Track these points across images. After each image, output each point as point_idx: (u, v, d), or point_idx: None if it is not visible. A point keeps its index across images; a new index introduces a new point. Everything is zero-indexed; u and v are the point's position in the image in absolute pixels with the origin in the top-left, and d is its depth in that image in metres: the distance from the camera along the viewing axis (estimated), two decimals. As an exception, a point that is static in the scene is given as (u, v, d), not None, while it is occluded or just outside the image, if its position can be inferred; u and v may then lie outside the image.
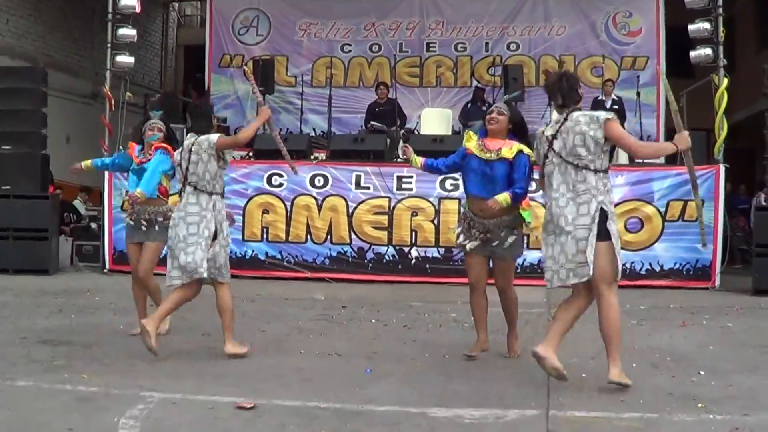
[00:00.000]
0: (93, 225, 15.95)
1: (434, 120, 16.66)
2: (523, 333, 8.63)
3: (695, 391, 6.08)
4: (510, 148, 7.07)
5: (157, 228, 8.03)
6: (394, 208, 13.22)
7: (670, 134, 15.69)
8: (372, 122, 15.64)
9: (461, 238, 7.30)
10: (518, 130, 7.26)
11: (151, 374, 6.43)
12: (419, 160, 7.70)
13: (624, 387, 5.98)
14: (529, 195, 7.33)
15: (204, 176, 7.08)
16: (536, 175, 6.74)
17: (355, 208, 13.31)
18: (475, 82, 17.86)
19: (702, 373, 6.71)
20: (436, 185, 13.14)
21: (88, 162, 8.73)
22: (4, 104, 13.80)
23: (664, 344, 8.04)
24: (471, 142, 7.27)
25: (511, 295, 7.34)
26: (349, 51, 18.75)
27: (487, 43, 18.35)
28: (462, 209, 7.51)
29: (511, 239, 7.12)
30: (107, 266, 13.77)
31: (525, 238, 7.52)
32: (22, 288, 11.55)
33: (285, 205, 13.34)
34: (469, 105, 16.52)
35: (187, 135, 7.46)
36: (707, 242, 12.02)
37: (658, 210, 12.72)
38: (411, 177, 13.24)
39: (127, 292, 9.26)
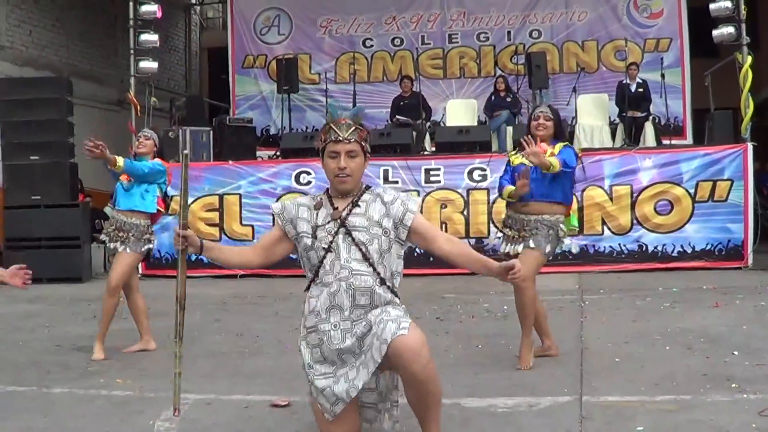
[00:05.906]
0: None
1: (459, 111, 16.67)
2: (557, 319, 8.65)
3: (729, 371, 6.05)
4: (554, 147, 6.60)
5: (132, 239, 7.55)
6: (423, 200, 12.99)
7: (696, 114, 15.65)
8: (397, 116, 15.69)
9: (503, 246, 6.78)
10: (558, 131, 6.75)
11: (184, 376, 6.39)
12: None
13: None
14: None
15: None
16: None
17: (385, 202, 13.28)
18: (498, 72, 17.76)
19: (736, 353, 6.68)
20: (464, 176, 13.15)
21: (121, 162, 7.51)
22: (30, 115, 13.90)
23: (697, 326, 8.00)
24: (517, 159, 6.80)
25: (528, 291, 6.51)
26: (371, 45, 18.73)
27: (509, 32, 18.24)
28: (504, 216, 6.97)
29: (545, 233, 6.55)
30: (140, 271, 13.74)
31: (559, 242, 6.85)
32: (56, 296, 11.64)
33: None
34: (493, 97, 16.38)
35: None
36: None
37: (688, 191, 12.63)
38: (438, 169, 13.27)
39: (161, 297, 9.37)
